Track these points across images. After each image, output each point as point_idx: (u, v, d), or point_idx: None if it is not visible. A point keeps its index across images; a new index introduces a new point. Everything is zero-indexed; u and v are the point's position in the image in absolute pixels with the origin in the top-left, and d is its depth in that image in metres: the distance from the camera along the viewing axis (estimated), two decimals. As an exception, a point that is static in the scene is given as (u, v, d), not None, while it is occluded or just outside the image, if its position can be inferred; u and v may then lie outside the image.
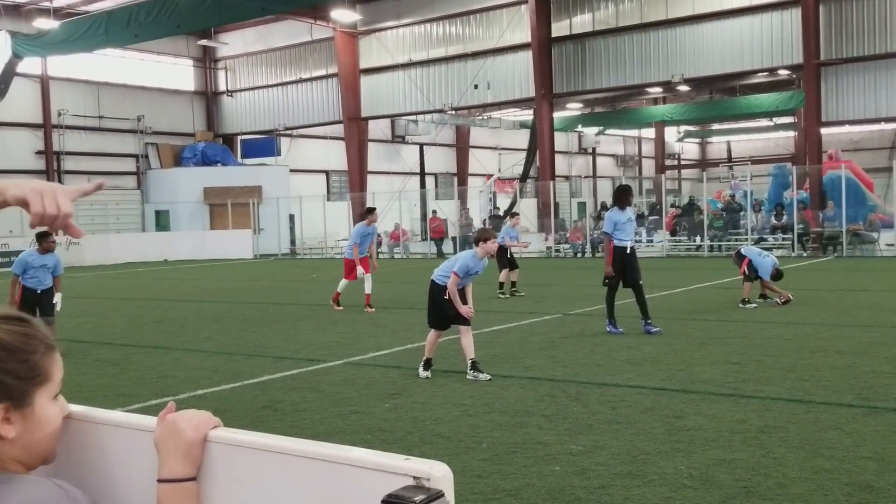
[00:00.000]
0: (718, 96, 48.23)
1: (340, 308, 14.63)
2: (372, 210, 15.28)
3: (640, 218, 34.40)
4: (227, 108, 42.33)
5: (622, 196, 11.45)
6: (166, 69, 40.89)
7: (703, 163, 62.96)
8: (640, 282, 11.14)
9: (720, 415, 6.56)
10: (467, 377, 8.29)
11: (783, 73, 32.57)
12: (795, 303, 13.59)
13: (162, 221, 38.04)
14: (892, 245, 25.64)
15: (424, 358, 8.66)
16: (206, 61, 42.43)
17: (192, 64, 42.11)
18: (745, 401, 7.00)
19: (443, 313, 8.49)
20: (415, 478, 1.16)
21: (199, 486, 1.35)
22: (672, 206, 35.99)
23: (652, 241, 32.47)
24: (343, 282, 14.86)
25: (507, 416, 6.74)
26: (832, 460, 5.28)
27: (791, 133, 52.61)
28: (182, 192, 37.36)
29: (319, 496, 1.23)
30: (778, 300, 13.37)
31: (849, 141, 46.44)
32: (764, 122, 53.28)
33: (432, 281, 8.65)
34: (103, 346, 11.43)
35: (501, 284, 16.23)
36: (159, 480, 1.35)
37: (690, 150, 64.48)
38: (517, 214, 17.08)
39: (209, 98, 42.47)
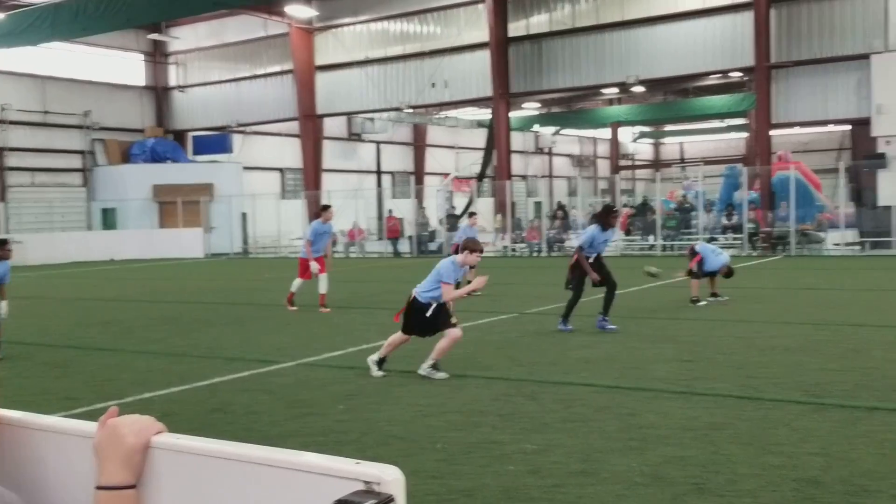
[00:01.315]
0: (672, 98, 48.84)
1: (294, 308, 14.48)
2: (327, 207, 15.06)
3: (594, 218, 34.71)
4: (178, 103, 41.72)
5: (607, 217, 11.36)
6: (115, 63, 40.14)
7: (657, 163, 63.71)
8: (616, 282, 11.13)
9: (672, 412, 6.62)
10: (419, 372, 8.26)
11: (735, 75, 33.07)
12: (746, 301, 13.81)
13: (109, 220, 37.34)
14: (839, 244, 26.20)
15: (380, 356, 8.59)
16: (157, 55, 41.76)
17: (141, 58, 41.42)
18: (696, 398, 7.08)
19: (424, 326, 8.38)
20: (365, 482, 1.13)
21: (139, 493, 1.30)
22: (625, 205, 36.34)
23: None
24: (297, 281, 14.67)
25: (462, 416, 6.72)
26: (781, 456, 5.36)
27: (742, 134, 53.48)
28: (130, 189, 36.69)
29: (267, 503, 1.19)
30: (721, 297, 13.58)
31: (798, 142, 47.31)
32: (716, 124, 54.07)
33: (415, 298, 8.49)
34: (47, 348, 11.16)
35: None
36: (98, 488, 1.30)
37: (644, 150, 65.22)
38: (475, 214, 17.04)
39: (159, 93, 41.82)
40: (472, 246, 8.62)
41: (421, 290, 8.49)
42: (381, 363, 8.58)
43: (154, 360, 10.05)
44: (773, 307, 13.08)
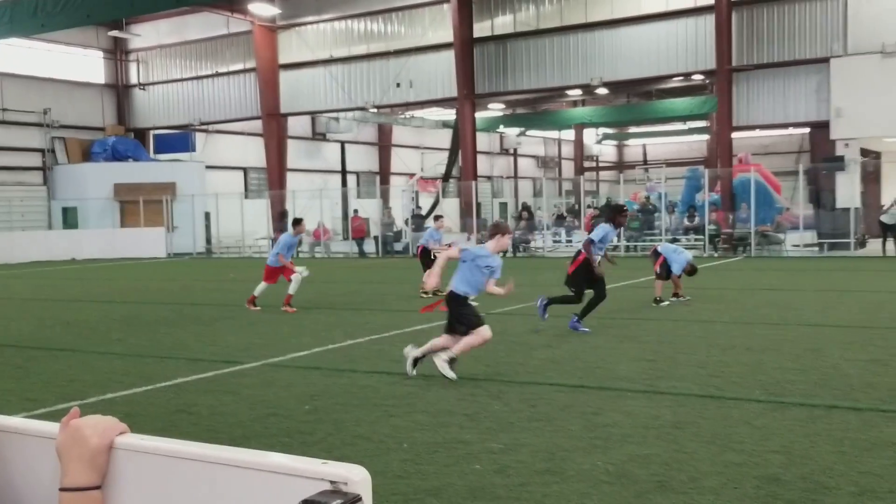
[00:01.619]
0: (635, 100, 49.27)
1: (257, 308, 14.40)
2: (299, 221, 15.17)
3: (560, 219, 34.95)
4: (140, 101, 41.21)
5: (619, 215, 11.62)
6: (75, 60, 39.55)
7: (621, 165, 64.22)
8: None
9: (635, 411, 6.68)
10: (435, 359, 8.12)
11: (697, 78, 33.46)
12: (707, 301, 13.99)
13: (69, 219, 36.79)
14: (798, 246, 26.63)
15: (425, 354, 8.32)
16: (118, 53, 41.22)
17: (102, 55, 40.85)
18: (659, 397, 7.15)
19: (461, 319, 8.25)
20: (332, 482, 1.12)
21: (104, 494, 1.29)
22: (589, 206, 36.58)
23: (571, 240, 32.96)
24: (262, 285, 14.66)
25: (428, 416, 6.72)
26: (742, 454, 5.43)
27: (704, 137, 54.11)
28: (91, 188, 36.18)
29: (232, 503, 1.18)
30: (683, 297, 13.74)
31: (759, 145, 47.95)
32: (678, 126, 54.65)
33: (451, 292, 8.37)
34: (7, 349, 10.97)
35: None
36: (61, 489, 1.28)
37: (608, 152, 65.68)
38: (441, 217, 16.97)
39: (120, 91, 41.27)
40: (503, 229, 8.51)
41: (456, 283, 8.36)
42: (416, 362, 8.35)
43: (116, 360, 9.92)
44: (734, 307, 13.26)
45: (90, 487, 1.27)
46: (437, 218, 17.40)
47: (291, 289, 14.31)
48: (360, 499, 1.12)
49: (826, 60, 26.78)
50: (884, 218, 24.22)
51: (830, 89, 26.70)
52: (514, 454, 5.61)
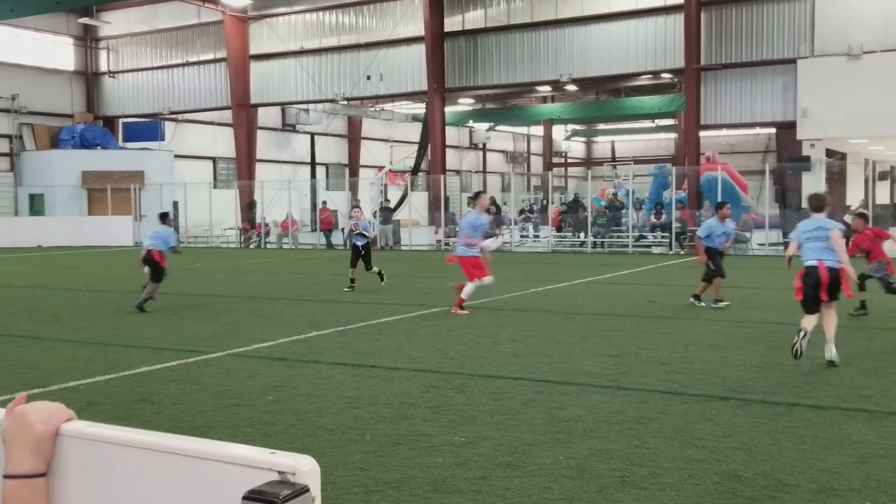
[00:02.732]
0: (604, 97, 49.53)
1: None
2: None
3: (527, 213, 35.02)
4: (109, 89, 40.66)
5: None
6: (44, 47, 38.92)
7: (589, 161, 64.61)
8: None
9: (598, 406, 6.72)
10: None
11: (665, 76, 33.69)
12: (672, 298, 14.11)
13: (36, 206, 36.24)
14: (764, 245, 26.94)
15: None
16: (87, 40, 40.61)
17: (72, 42, 40.24)
18: (622, 392, 7.20)
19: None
20: (280, 472, 1.11)
21: (48, 482, 1.26)
22: (561, 203, 36.73)
23: (538, 236, 33.10)
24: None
25: (391, 409, 6.71)
26: (703, 450, 5.49)
27: (672, 135, 54.56)
28: (58, 175, 35.67)
29: (178, 493, 1.17)
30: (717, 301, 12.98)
31: (725, 144, 48.48)
32: (646, 124, 55.04)
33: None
34: (-34, 336, 10.79)
35: (352, 280, 15.71)
36: (5, 476, 1.25)
37: (577, 148, 66.01)
38: (358, 207, 16.12)
39: (89, 78, 40.68)
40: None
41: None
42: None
43: (80, 348, 9.80)
44: (698, 305, 13.35)
45: (34, 475, 1.25)
46: (354, 207, 16.41)
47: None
48: (307, 489, 1.10)
49: (793, 61, 27.09)
50: (848, 218, 24.49)
51: (797, 90, 27.01)
52: (476, 447, 5.62)
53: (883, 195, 36.82)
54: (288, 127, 45.73)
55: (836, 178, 31.30)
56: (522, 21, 31.27)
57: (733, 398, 6.95)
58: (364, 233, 16.21)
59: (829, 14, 26.64)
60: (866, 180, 36.19)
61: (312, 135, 46.88)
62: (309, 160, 46.78)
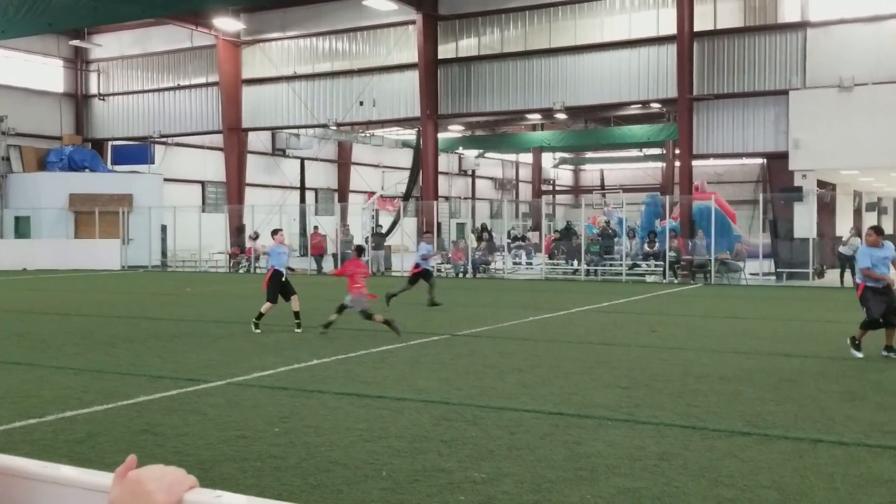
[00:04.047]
0: (593, 125, 49.69)
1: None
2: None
3: (520, 240, 34.93)
4: (99, 111, 40.41)
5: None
6: (34, 68, 38.70)
7: (577, 189, 64.75)
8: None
9: (618, 441, 6.54)
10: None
11: (654, 105, 33.82)
12: (674, 327, 13.97)
13: (22, 228, 35.80)
14: (756, 274, 26.92)
15: None
16: (78, 62, 40.42)
17: (62, 64, 40.03)
18: (640, 427, 7.02)
19: None
20: None
21: None
22: (554, 230, 36.64)
23: (531, 263, 32.99)
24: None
25: (404, 442, 6.50)
26: (734, 489, 5.31)
27: (659, 164, 54.75)
28: (45, 197, 35.28)
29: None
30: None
31: (713, 173, 48.64)
32: (634, 153, 55.23)
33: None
34: (-44, 362, 10.49)
35: (260, 315, 13.54)
36: None
37: (564, 176, 66.14)
38: (280, 231, 14.98)
39: (79, 101, 40.44)
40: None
41: None
42: None
43: (74, 376, 9.53)
44: (702, 335, 13.24)
45: None
46: (275, 232, 15.27)
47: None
48: None
49: (785, 92, 27.24)
50: (842, 249, 24.56)
51: (789, 121, 27.14)
52: (498, 485, 5.43)
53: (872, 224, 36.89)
54: (278, 151, 45.58)
55: (827, 208, 31.44)
56: (516, 49, 31.37)
57: (754, 433, 6.78)
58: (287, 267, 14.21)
59: (821, 46, 26.85)
60: (856, 211, 36.45)
61: (302, 159, 46.73)
62: (299, 185, 46.60)
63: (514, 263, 32.91)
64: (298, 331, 13.27)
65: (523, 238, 35.13)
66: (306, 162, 47.00)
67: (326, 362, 10.43)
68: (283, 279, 13.74)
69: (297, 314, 13.56)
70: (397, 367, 10.05)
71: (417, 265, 18.02)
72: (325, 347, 11.62)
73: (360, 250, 14.38)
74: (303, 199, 45.65)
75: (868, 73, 26.04)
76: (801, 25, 27.24)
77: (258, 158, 43.14)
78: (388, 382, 9.06)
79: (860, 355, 10.43)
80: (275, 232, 14.71)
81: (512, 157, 61.04)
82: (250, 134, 38.36)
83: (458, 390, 8.63)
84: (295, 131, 42.24)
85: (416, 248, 18.66)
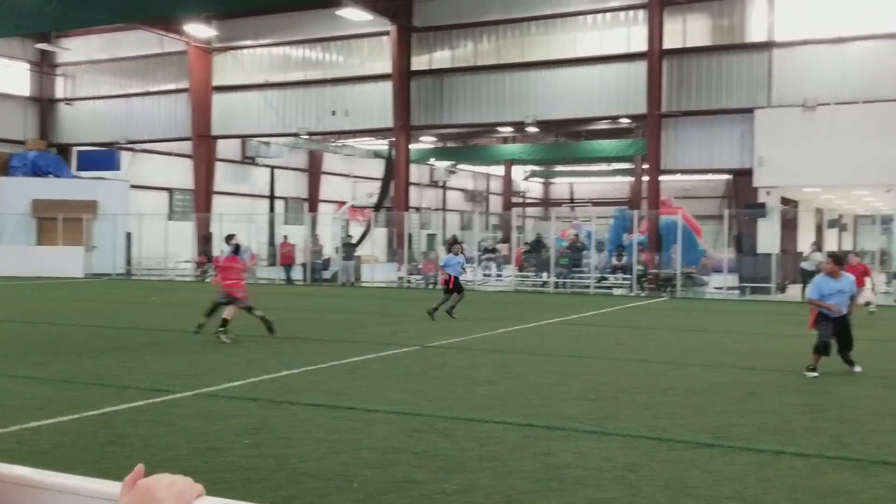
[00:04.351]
0: (564, 139, 50.09)
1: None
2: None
3: (490, 252, 35.07)
4: (65, 116, 39.96)
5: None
6: (-2, 71, 38.27)
7: (547, 202, 65.15)
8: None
9: (587, 452, 6.62)
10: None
11: (623, 121, 34.18)
12: (642, 340, 14.13)
13: (-19, 234, 35.26)
14: (721, 288, 27.27)
15: None
16: (43, 66, 39.96)
17: (27, 67, 39.55)
18: (608, 438, 7.11)
19: None
20: None
21: None
22: (524, 243, 36.83)
23: (501, 275, 33.12)
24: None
25: (376, 454, 6.53)
26: (698, 500, 5.41)
27: (628, 178, 55.32)
28: (7, 203, 34.73)
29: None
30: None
31: (680, 188, 49.20)
32: (603, 167, 55.75)
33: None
34: (-82, 369, 10.32)
35: (225, 322, 13.54)
36: None
37: (535, 189, 66.55)
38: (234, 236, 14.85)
39: (44, 105, 39.97)
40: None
41: None
42: None
43: (38, 386, 9.42)
44: (669, 348, 13.40)
45: None
46: (229, 238, 14.92)
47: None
48: None
49: (751, 111, 27.70)
50: (804, 265, 24.98)
51: (754, 139, 27.60)
52: (469, 496, 5.47)
53: (832, 242, 37.65)
54: (248, 160, 45.38)
55: (789, 224, 31.96)
56: (489, 62, 31.59)
57: (719, 445, 6.90)
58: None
59: (787, 67, 27.35)
60: (817, 227, 37.07)
61: (272, 168, 46.57)
62: (268, 194, 46.41)
63: (485, 275, 33.03)
64: (224, 339, 13.19)
65: (493, 250, 35.25)
66: (276, 171, 46.85)
67: (296, 373, 10.41)
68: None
69: (224, 322, 13.48)
70: (368, 379, 10.07)
71: (449, 276, 18.03)
72: (295, 358, 11.59)
73: (236, 247, 14.28)
74: (272, 209, 45.47)
75: (832, 94, 26.57)
76: (768, 45, 27.73)
77: (227, 166, 42.91)
78: (358, 394, 9.07)
79: (815, 374, 10.42)
80: (229, 238, 14.69)
81: (483, 169, 61.33)
82: (220, 141, 38.15)
83: (428, 402, 8.66)
84: (265, 140, 42.08)
85: (444, 261, 18.76)
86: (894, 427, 7.75)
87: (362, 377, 10.17)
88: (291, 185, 49.18)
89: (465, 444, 6.87)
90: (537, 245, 32.49)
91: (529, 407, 8.43)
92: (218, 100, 36.24)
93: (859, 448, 6.94)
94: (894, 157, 25.62)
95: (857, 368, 10.77)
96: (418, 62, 32.50)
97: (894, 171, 25.69)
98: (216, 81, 36.22)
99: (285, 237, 33.73)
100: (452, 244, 20.62)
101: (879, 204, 33.98)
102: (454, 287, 17.83)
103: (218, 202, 38.13)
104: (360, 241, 35.56)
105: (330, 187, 49.75)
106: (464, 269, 18.69)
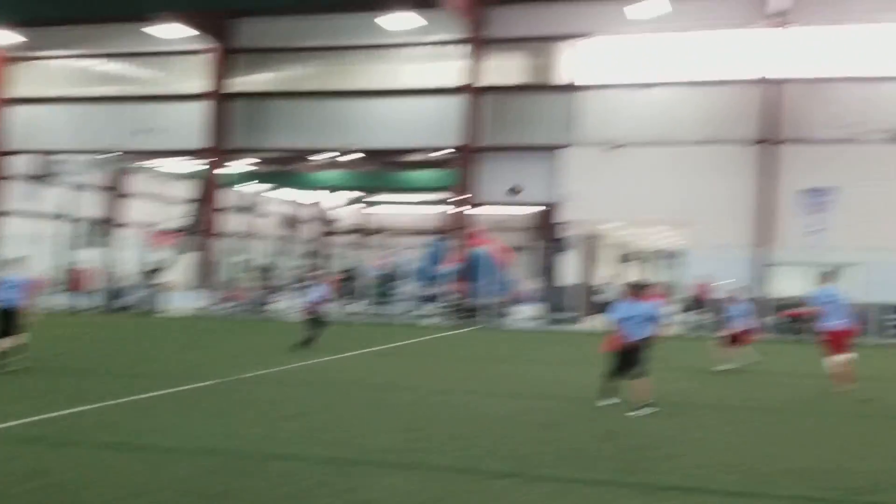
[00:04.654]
0: (380, 168, 50.40)
1: None
2: None
3: (304, 280, 34.57)
4: None
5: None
6: None
7: (363, 231, 65.19)
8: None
9: (396, 486, 6.58)
10: None
11: (441, 152, 34.90)
12: (453, 370, 14.34)
13: None
14: (528, 318, 28.28)
15: None
16: None
17: None
18: (416, 471, 7.11)
19: None
20: None
21: None
22: (339, 271, 36.56)
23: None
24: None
25: (175, 496, 6.18)
26: (501, 532, 5.49)
27: (443, 209, 56.37)
28: None
29: None
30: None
31: (492, 220, 50.70)
32: (419, 197, 56.56)
33: None
34: None
35: (3, 354, 12.74)
36: None
37: (351, 217, 66.40)
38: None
39: None
40: None
41: None
42: None
43: None
44: (477, 378, 13.67)
45: None
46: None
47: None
48: None
49: (559, 148, 29.16)
50: (603, 296, 26.45)
51: (561, 175, 29.03)
52: (270, 537, 5.28)
53: (630, 275, 40.02)
54: (42, 177, 42.33)
55: (590, 257, 33.75)
56: (312, 88, 31.42)
57: (522, 474, 7.06)
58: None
59: (591, 108, 29.06)
60: (617, 260, 39.36)
61: (72, 187, 43.71)
62: (65, 214, 43.47)
63: (297, 304, 32.46)
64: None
65: (307, 277, 34.80)
66: (77, 190, 44.01)
67: (85, 410, 9.71)
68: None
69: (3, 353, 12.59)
70: (165, 416, 9.56)
71: (310, 306, 17.69)
72: (85, 394, 10.82)
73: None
74: (69, 230, 42.60)
75: (632, 135, 28.45)
76: (575, 88, 29.36)
77: (20, 184, 39.86)
78: (155, 432, 8.58)
79: (615, 400, 10.61)
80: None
81: (299, 195, 60.50)
82: (14, 157, 35.49)
83: (232, 438, 8.33)
84: (66, 156, 39.48)
85: (306, 292, 18.51)
86: (684, 452, 8.23)
87: (159, 414, 9.65)
88: (94, 205, 46.35)
89: (268, 482, 6.64)
90: (351, 274, 32.40)
91: (338, 440, 8.31)
92: (14, 112, 33.75)
93: (651, 474, 7.32)
94: (685, 197, 27.76)
95: (645, 411, 10.27)
96: (238, 83, 31.82)
97: (687, 209, 27.80)
98: (14, 92, 33.75)
99: (77, 262, 31.70)
100: (311, 272, 20.45)
101: (673, 239, 36.58)
102: (317, 318, 17.56)
103: (8, 223, 35.34)
104: (164, 267, 34.05)
105: (136, 209, 47.34)
106: (326, 299, 18.30)
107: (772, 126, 27.41)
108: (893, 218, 26.18)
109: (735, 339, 15.81)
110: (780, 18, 27.34)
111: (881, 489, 7.04)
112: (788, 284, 26.98)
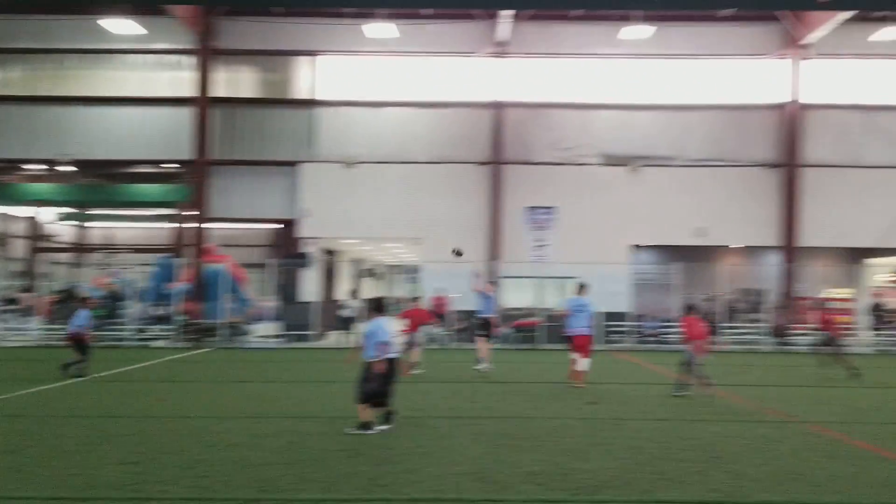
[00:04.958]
0: (101, 181, 47.17)
1: None
2: None
3: (10, 302, 31.48)
4: None
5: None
6: None
7: (82, 247, 60.63)
8: None
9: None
10: None
11: (170, 166, 33.36)
12: (183, 395, 13.60)
13: None
14: (266, 337, 27.66)
15: None
16: None
17: None
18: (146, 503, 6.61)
19: None
20: None
21: None
22: (54, 292, 33.61)
23: (24, 329, 29.77)
24: None
25: None
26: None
27: (173, 225, 53.83)
28: None
29: None
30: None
31: (226, 236, 49.16)
32: (146, 212, 53.62)
33: None
34: None
35: None
36: None
37: (68, 232, 61.56)
38: None
39: None
40: None
41: None
42: None
43: None
44: (211, 401, 13.06)
45: None
46: None
47: None
48: None
49: (296, 164, 28.87)
50: (342, 312, 26.48)
51: (299, 191, 28.77)
52: None
53: (368, 290, 40.66)
54: None
55: (329, 273, 33.80)
56: (19, 93, 28.67)
57: (263, 499, 6.81)
58: None
59: (329, 125, 29.10)
60: (355, 276, 39.76)
61: None
62: None
63: (7, 329, 29.43)
64: None
65: (14, 300, 31.71)
66: None
67: None
68: None
69: None
70: None
71: (74, 333, 16.54)
72: None
73: None
74: None
75: (368, 153, 28.85)
76: (312, 103, 29.24)
77: None
78: None
79: (377, 429, 10.09)
80: None
81: (7, 209, 55.02)
82: None
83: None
84: None
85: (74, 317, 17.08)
86: (423, 465, 8.35)
87: None
88: None
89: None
90: (69, 294, 29.92)
91: (58, 478, 7.55)
92: None
93: (393, 488, 7.35)
94: (420, 214, 28.61)
95: (382, 427, 10.13)
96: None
97: (421, 226, 28.64)
98: None
99: None
100: (82, 299, 18.76)
101: (409, 255, 37.55)
102: (83, 344, 16.52)
103: None
104: None
105: None
106: (89, 325, 16.95)
107: (498, 148, 29.02)
108: (606, 234, 28.71)
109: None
110: (501, 48, 29.08)
111: (606, 487, 7.57)
112: (517, 296, 28.70)
